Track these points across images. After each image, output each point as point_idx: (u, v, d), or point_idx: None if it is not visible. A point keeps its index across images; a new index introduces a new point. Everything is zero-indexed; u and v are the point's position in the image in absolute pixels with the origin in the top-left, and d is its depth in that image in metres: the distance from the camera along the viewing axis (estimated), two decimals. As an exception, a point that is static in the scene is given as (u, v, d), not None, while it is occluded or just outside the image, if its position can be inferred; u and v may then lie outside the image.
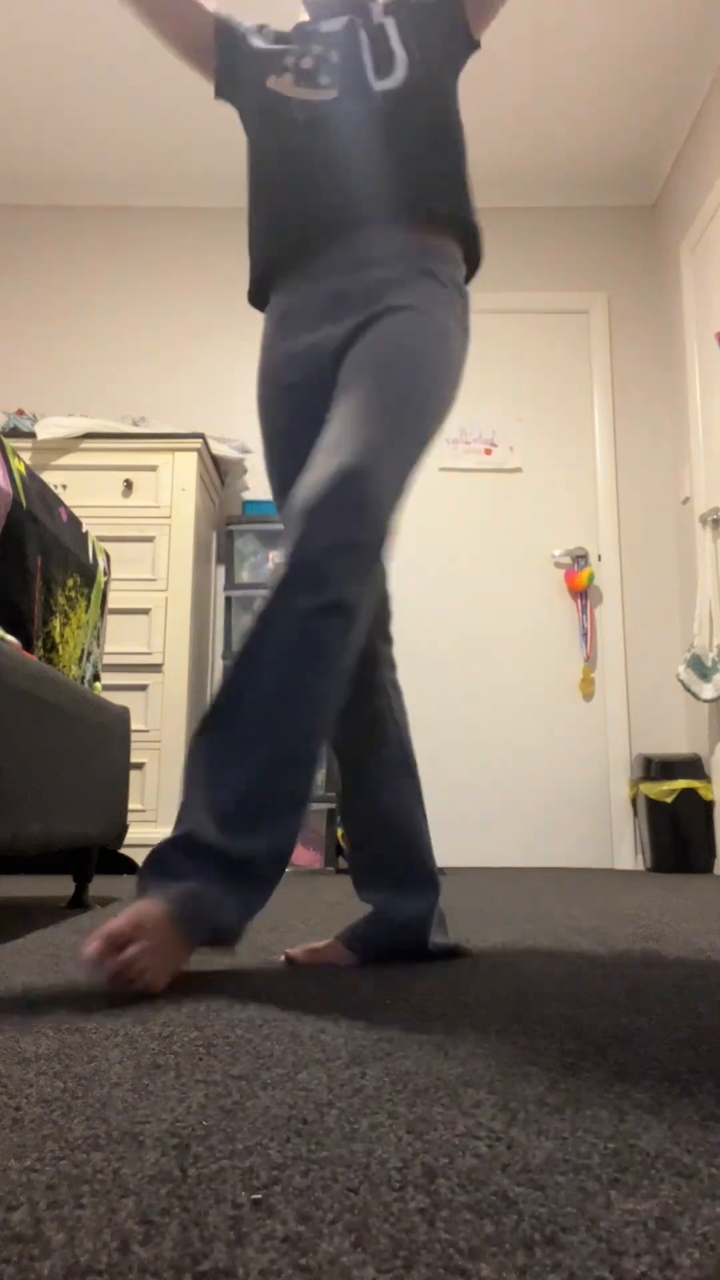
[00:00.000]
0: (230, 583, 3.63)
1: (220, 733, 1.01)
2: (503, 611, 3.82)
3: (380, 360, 1.13)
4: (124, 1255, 0.40)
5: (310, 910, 1.89)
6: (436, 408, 1.16)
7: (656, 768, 3.39)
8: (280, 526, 3.92)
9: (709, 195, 3.43)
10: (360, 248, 1.21)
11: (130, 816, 3.03)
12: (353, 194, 1.21)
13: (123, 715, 2.13)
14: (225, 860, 0.97)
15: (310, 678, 1.01)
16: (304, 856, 3.41)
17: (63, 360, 4.08)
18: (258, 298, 1.35)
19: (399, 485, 1.09)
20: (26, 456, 3.35)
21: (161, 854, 0.99)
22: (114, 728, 2.04)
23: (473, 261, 1.31)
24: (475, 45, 1.35)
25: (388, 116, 1.23)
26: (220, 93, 1.37)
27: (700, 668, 3.27)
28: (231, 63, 1.34)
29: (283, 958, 1.21)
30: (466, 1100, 0.62)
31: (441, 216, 1.24)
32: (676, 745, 3.71)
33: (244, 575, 3.65)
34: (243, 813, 0.99)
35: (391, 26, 1.28)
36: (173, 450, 3.41)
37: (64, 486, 3.32)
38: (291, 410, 1.25)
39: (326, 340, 1.20)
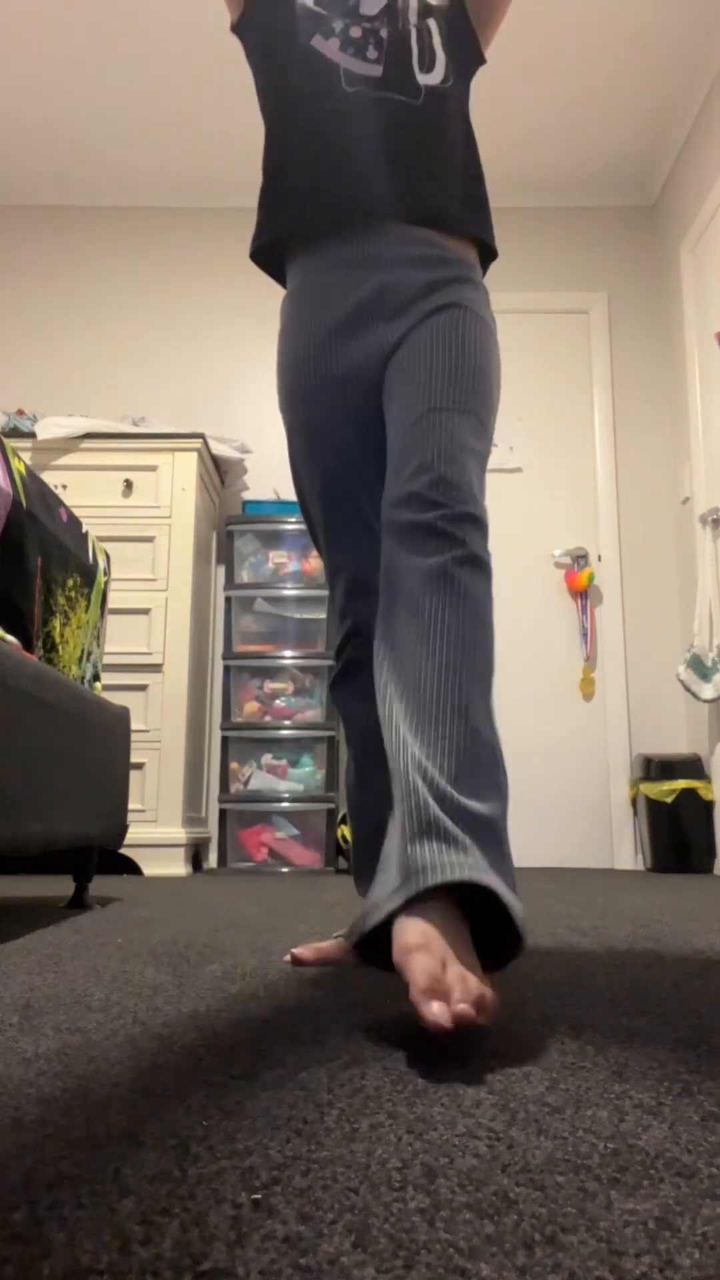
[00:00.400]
0: (230, 583, 3.63)
1: (406, 697, 0.93)
2: (503, 611, 3.82)
3: (452, 359, 1.12)
4: (124, 1255, 0.40)
5: (310, 910, 1.89)
6: (497, 404, 1.18)
7: (656, 768, 3.39)
8: (280, 526, 3.89)
9: (709, 195, 3.43)
10: (404, 245, 1.19)
11: (130, 816, 3.03)
12: (402, 188, 1.19)
13: (123, 715, 2.13)
14: (477, 821, 0.85)
15: (468, 624, 0.95)
16: (304, 856, 3.40)
17: (63, 360, 4.08)
18: (268, 256, 1.30)
19: (483, 477, 1.11)
20: (26, 456, 3.35)
21: (430, 826, 0.83)
22: (114, 728, 2.04)
23: None
24: (483, 61, 1.38)
25: (432, 115, 1.23)
26: (236, 29, 1.35)
27: (700, 668, 3.27)
28: (263, 8, 1.31)
29: (288, 958, 1.21)
30: (466, 1100, 0.62)
31: (469, 230, 1.24)
32: (676, 745, 3.71)
33: (244, 575, 3.65)
34: (470, 772, 0.87)
35: (434, 27, 1.28)
36: (173, 450, 3.41)
37: (64, 486, 3.32)
38: (333, 405, 1.22)
39: (380, 341, 1.17)
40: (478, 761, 0.89)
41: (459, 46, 1.30)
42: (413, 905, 0.79)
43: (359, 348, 1.18)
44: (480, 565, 1.00)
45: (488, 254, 1.29)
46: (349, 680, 1.26)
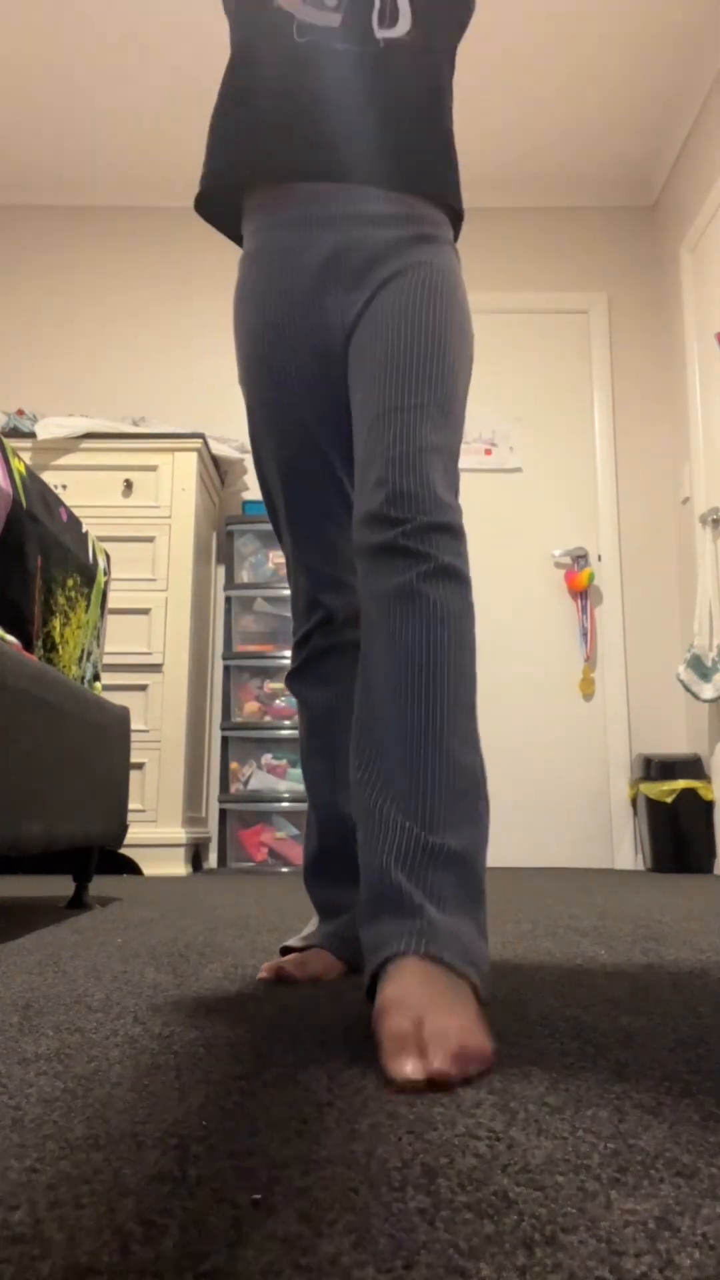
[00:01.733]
0: (230, 582, 3.63)
1: (384, 736, 0.91)
2: (503, 611, 3.82)
3: (408, 339, 1.05)
4: (124, 1255, 0.40)
5: (310, 910, 1.89)
6: (466, 374, 1.11)
7: (656, 768, 3.39)
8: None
9: (709, 195, 3.43)
10: (361, 203, 1.12)
11: (130, 816, 3.03)
12: (355, 143, 1.12)
13: (123, 715, 2.13)
14: (449, 858, 0.84)
15: (441, 646, 0.91)
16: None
17: (63, 360, 4.08)
18: (216, 206, 1.22)
19: (454, 470, 1.05)
20: (26, 456, 3.35)
21: (396, 885, 0.83)
22: (114, 728, 2.04)
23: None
24: (470, 9, 1.29)
25: (391, 68, 1.16)
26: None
27: (700, 668, 3.27)
28: None
29: (263, 974, 1.10)
30: (466, 1100, 0.62)
31: (425, 188, 1.16)
32: (676, 745, 3.71)
33: (244, 575, 3.65)
34: (448, 806, 0.86)
35: None
36: (173, 450, 3.41)
37: (64, 486, 3.32)
38: (294, 379, 1.14)
39: (340, 313, 1.11)
40: (456, 793, 0.87)
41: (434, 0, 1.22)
42: (387, 967, 0.78)
43: (319, 318, 1.12)
44: (451, 574, 0.94)
45: (453, 216, 1.21)
46: (311, 669, 1.19)
